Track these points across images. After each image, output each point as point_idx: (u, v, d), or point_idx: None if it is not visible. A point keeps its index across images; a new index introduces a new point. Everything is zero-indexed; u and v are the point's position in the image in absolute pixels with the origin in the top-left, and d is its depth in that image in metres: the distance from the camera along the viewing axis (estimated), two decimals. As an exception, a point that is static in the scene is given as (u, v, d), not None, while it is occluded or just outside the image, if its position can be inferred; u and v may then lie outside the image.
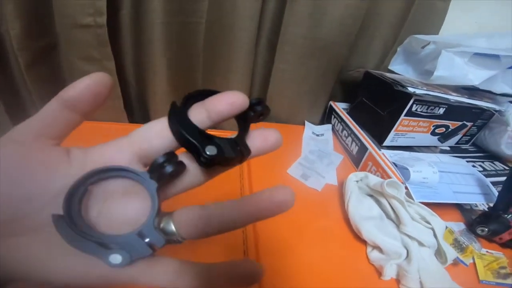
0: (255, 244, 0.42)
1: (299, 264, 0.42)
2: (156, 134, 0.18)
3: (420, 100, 0.51)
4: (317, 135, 0.70)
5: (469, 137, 0.64)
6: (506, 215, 0.51)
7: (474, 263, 0.47)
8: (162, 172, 0.16)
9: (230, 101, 0.18)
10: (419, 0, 0.59)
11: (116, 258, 0.15)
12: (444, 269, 0.43)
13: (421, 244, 0.44)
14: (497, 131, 0.58)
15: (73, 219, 0.15)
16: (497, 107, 0.56)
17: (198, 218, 0.17)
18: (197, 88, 0.64)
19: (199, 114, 0.18)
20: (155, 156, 0.17)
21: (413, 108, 0.52)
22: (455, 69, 0.51)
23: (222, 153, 0.17)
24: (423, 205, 0.47)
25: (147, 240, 0.16)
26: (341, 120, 0.68)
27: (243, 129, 0.19)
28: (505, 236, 0.50)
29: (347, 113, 0.68)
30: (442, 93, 0.51)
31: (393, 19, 0.62)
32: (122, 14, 0.55)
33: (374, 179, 0.50)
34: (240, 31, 0.57)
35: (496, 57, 0.50)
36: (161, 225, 0.17)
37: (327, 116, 0.75)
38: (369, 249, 0.46)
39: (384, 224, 0.47)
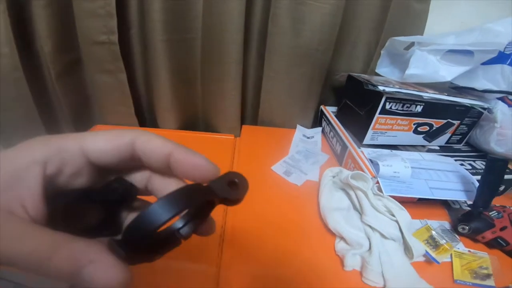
0: (232, 230, 0.46)
1: (271, 253, 0.44)
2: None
3: (394, 98, 0.52)
4: (308, 138, 0.72)
5: (460, 136, 0.61)
6: (489, 213, 0.48)
7: (452, 262, 0.45)
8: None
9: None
10: (395, 4, 0.61)
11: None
12: (410, 265, 0.42)
13: (384, 236, 0.44)
14: (487, 129, 0.56)
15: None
16: (485, 105, 0.55)
17: None
18: (197, 95, 0.71)
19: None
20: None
21: (387, 106, 0.53)
22: (428, 66, 0.52)
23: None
24: (392, 199, 0.47)
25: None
26: (329, 122, 0.70)
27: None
28: (488, 235, 0.47)
29: (335, 115, 0.71)
30: (416, 91, 0.52)
31: (371, 23, 0.65)
32: (131, 33, 0.66)
33: (346, 173, 0.51)
34: (229, 44, 0.64)
35: (469, 53, 0.50)
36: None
37: (319, 119, 0.77)
38: (337, 240, 0.47)
39: (350, 214, 0.48)
